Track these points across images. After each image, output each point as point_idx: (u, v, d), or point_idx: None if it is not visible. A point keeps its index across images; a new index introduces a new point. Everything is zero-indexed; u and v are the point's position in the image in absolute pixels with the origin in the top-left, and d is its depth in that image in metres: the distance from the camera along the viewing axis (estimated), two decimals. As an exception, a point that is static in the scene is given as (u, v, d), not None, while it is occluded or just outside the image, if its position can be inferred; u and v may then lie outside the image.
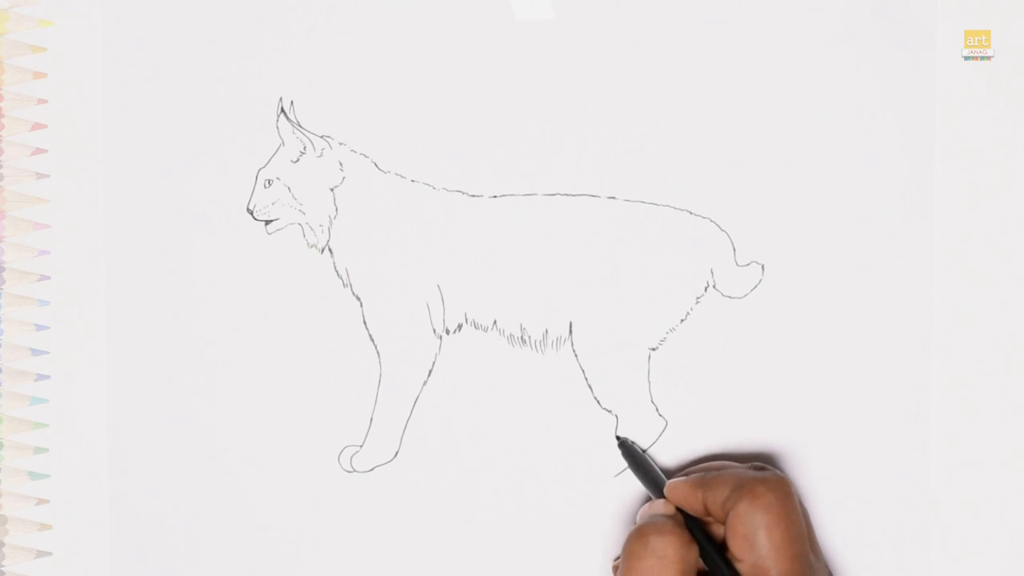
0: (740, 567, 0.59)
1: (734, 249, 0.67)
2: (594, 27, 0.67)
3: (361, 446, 0.68)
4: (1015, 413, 0.67)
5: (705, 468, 0.64)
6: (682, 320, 0.67)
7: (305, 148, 0.68)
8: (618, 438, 0.67)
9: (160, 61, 0.68)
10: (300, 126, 0.68)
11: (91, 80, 0.68)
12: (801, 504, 0.61)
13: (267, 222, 0.68)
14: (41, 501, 0.68)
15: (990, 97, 0.67)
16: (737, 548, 0.59)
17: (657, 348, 0.67)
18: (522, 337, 0.68)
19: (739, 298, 0.67)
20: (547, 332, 0.67)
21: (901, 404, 0.67)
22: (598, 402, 0.68)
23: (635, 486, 0.67)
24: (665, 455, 0.67)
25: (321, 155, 0.68)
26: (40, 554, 0.68)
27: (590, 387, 0.68)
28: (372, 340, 0.68)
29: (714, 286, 0.67)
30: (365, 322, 0.68)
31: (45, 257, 0.68)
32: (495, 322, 0.68)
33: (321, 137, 0.68)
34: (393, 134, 0.68)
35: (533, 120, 0.67)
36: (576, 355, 0.67)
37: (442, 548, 0.68)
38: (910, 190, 0.67)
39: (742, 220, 0.67)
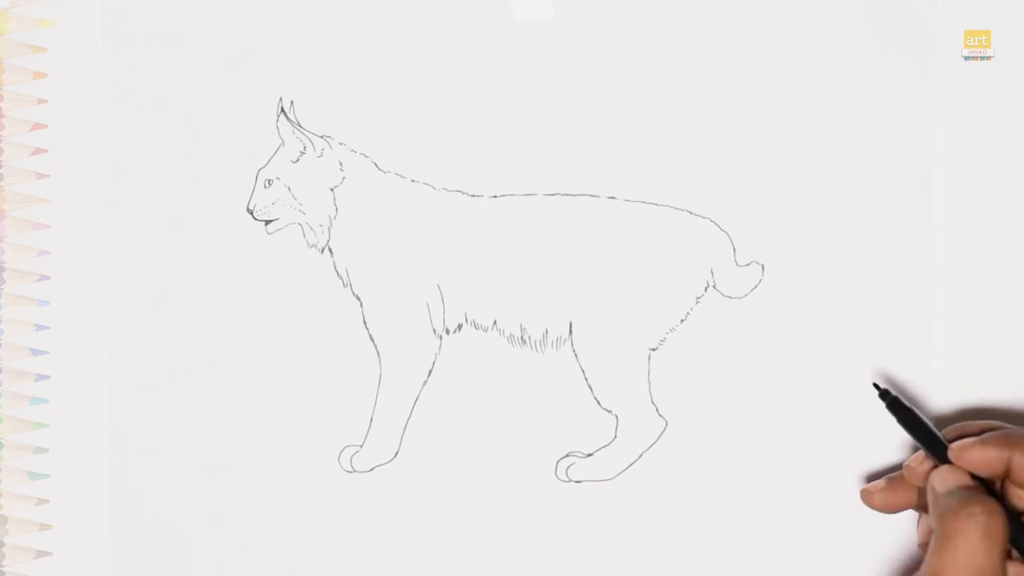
0: None
1: (734, 249, 0.67)
2: (594, 27, 0.67)
3: (361, 446, 0.68)
4: (1015, 413, 0.67)
5: (986, 426, 0.57)
6: (682, 320, 0.67)
7: (305, 148, 0.68)
8: (876, 386, 0.63)
9: (160, 61, 0.68)
10: (300, 126, 0.68)
11: (91, 80, 0.68)
12: None
13: (267, 222, 0.68)
14: (41, 501, 0.68)
15: (990, 97, 0.67)
16: None
17: (657, 348, 0.67)
18: (522, 337, 0.68)
19: (739, 298, 0.67)
20: (547, 332, 0.67)
21: (901, 404, 0.67)
22: (598, 402, 0.67)
23: (633, 488, 0.67)
24: (665, 456, 0.67)
25: (321, 155, 0.68)
26: (40, 554, 0.68)
27: (590, 387, 0.68)
28: (372, 340, 0.68)
29: (714, 286, 0.67)
30: (365, 322, 0.68)
31: (45, 257, 0.68)
32: (495, 322, 0.68)
33: (321, 137, 0.68)
34: (393, 134, 0.68)
35: (533, 120, 0.67)
36: (576, 355, 0.67)
37: (442, 548, 0.68)
38: (910, 190, 0.67)
39: (742, 220, 0.67)
